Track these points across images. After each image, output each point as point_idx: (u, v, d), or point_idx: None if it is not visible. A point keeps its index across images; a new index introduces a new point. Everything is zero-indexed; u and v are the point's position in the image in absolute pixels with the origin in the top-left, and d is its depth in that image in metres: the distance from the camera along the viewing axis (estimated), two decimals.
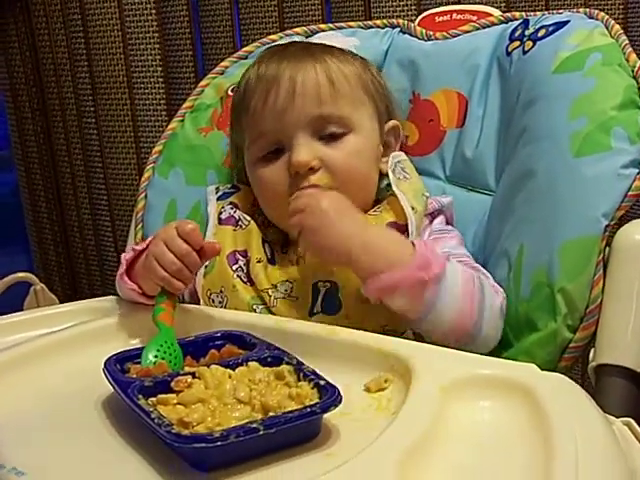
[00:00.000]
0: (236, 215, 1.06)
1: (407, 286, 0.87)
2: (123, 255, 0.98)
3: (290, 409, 0.67)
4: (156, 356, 0.79)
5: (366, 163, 1.03)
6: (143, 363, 0.78)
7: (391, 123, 1.09)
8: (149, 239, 0.96)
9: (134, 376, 0.75)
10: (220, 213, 1.07)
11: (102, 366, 0.76)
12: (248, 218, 1.05)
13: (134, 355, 0.80)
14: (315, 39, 1.24)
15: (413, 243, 0.91)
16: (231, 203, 1.08)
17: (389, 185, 1.03)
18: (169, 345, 0.82)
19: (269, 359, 0.77)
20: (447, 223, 1.06)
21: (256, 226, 1.05)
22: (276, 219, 1.05)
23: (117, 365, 0.76)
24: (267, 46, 1.26)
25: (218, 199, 1.09)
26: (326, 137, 1.00)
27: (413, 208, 0.98)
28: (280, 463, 0.66)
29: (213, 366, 0.75)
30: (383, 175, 1.06)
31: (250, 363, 0.76)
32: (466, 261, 0.98)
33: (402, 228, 0.98)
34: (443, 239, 1.01)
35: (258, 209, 1.08)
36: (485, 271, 0.98)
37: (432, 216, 1.04)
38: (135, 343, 0.90)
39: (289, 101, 0.99)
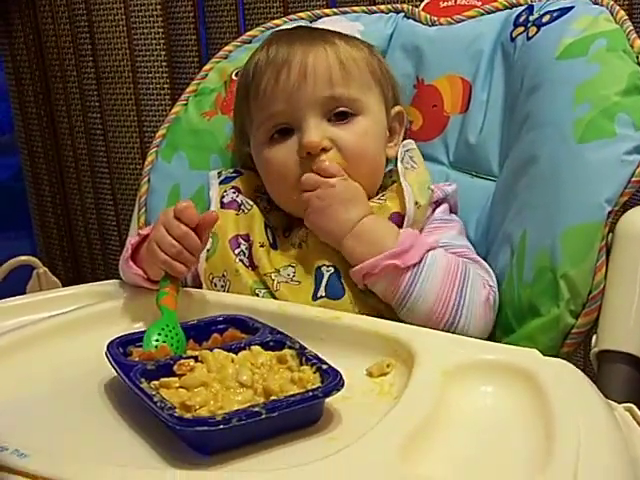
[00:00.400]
0: (239, 199, 1.06)
1: (383, 272, 0.92)
2: (129, 239, 0.99)
3: (292, 393, 0.68)
4: (157, 340, 0.80)
5: (375, 145, 1.03)
6: (145, 346, 0.79)
7: (396, 108, 1.09)
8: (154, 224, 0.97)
9: (136, 359, 0.76)
10: (222, 197, 1.07)
11: (105, 349, 0.76)
12: (251, 202, 1.05)
13: (137, 338, 0.80)
14: (319, 24, 1.24)
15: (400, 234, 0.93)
16: (233, 187, 1.08)
17: (392, 171, 1.04)
18: (171, 328, 0.82)
19: (271, 343, 0.77)
20: (451, 211, 1.06)
21: (259, 210, 1.05)
22: (282, 202, 1.05)
23: (120, 348, 0.77)
24: (272, 30, 1.26)
25: (220, 183, 1.09)
26: (336, 119, 1.01)
27: (417, 203, 0.99)
28: (282, 447, 0.66)
29: (216, 350, 0.75)
30: (389, 160, 1.07)
31: (253, 347, 0.76)
32: (463, 252, 0.98)
33: (403, 219, 0.99)
34: (443, 229, 1.01)
35: (261, 194, 1.08)
36: (484, 264, 0.99)
37: (436, 204, 1.04)
38: (138, 326, 0.90)
39: (300, 82, 0.99)
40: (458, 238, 1.01)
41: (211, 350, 0.75)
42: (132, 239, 0.98)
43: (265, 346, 0.77)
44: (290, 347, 0.76)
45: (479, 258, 1.00)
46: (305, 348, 0.75)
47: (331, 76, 1.00)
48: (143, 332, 0.81)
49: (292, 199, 1.00)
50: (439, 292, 0.91)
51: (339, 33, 1.08)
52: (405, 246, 0.92)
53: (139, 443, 0.68)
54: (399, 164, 1.02)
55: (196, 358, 0.74)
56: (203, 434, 0.63)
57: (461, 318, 0.92)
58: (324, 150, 0.98)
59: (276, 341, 0.77)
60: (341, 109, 1.01)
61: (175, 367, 0.72)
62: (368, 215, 0.97)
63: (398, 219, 0.99)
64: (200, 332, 0.83)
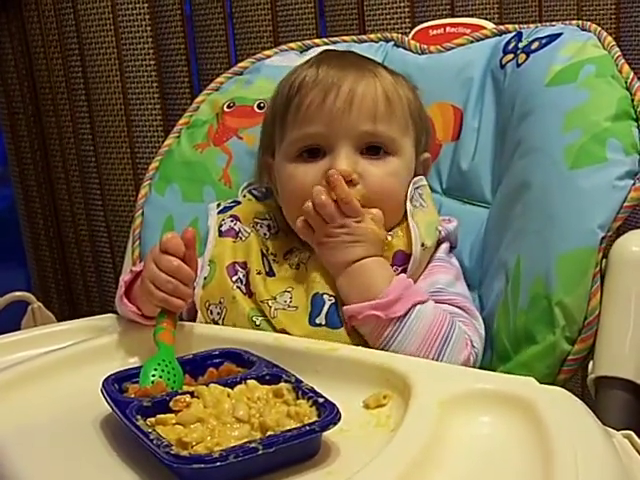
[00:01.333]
0: (236, 227, 1.06)
1: (366, 320, 0.91)
2: (121, 277, 0.98)
3: (289, 428, 0.67)
4: (154, 375, 0.79)
5: (401, 188, 1.02)
6: (142, 382, 0.78)
7: (425, 155, 1.08)
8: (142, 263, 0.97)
9: (132, 396, 0.75)
10: (220, 225, 1.06)
11: (100, 386, 0.76)
12: (248, 230, 1.05)
13: (132, 374, 0.80)
14: (310, 54, 1.24)
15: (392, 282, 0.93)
16: (232, 216, 1.07)
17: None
18: (167, 363, 0.81)
19: (267, 377, 0.77)
20: (451, 246, 1.05)
21: (256, 238, 1.04)
22: (295, 219, 1.03)
23: (115, 385, 0.76)
24: (262, 61, 1.27)
25: (219, 212, 1.09)
26: (368, 153, 1.00)
27: (423, 244, 0.98)
28: None
29: (212, 385, 0.75)
30: None
31: (249, 381, 0.76)
32: (455, 301, 0.98)
33: (408, 258, 0.98)
34: (440, 271, 1.00)
35: (261, 220, 1.08)
36: (475, 313, 0.99)
37: (438, 243, 1.03)
38: (134, 361, 0.90)
39: (345, 109, 0.99)
40: (454, 284, 1.00)
41: (207, 385, 0.75)
42: (125, 276, 0.98)
43: (261, 380, 0.76)
44: (286, 381, 0.75)
45: (471, 307, 0.99)
46: (301, 381, 0.75)
47: (376, 110, 0.99)
48: (139, 368, 0.81)
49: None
50: (418, 348, 0.90)
51: (388, 68, 1.08)
52: (391, 297, 0.91)
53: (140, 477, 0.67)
54: (408, 203, 1.01)
55: (192, 394, 0.73)
56: (200, 472, 0.63)
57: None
58: (351, 182, 0.97)
59: (272, 375, 0.77)
60: (377, 145, 1.00)
61: (171, 403, 0.72)
62: (372, 257, 0.95)
63: (402, 258, 0.98)
64: (196, 367, 0.82)
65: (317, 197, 0.95)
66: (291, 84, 1.04)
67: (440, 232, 1.03)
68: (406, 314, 0.91)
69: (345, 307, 0.93)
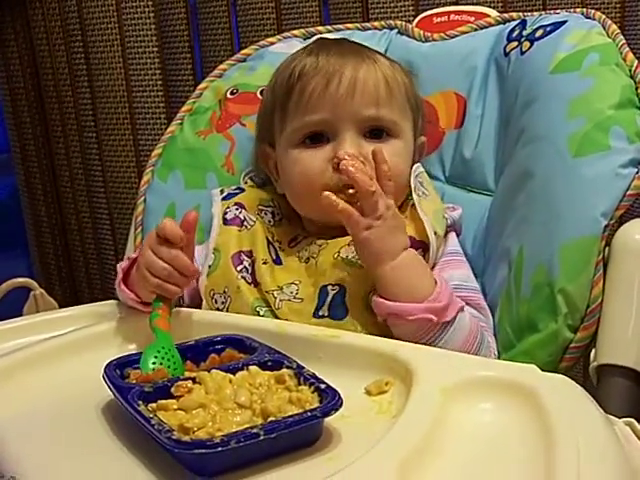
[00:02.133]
0: (241, 215, 1.06)
1: (415, 321, 0.89)
2: (119, 264, 0.98)
3: (291, 413, 0.67)
4: (154, 362, 0.79)
5: (405, 168, 1.03)
6: (143, 369, 0.78)
7: (422, 139, 1.09)
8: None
9: (134, 381, 0.75)
10: (225, 213, 1.06)
11: (102, 371, 0.76)
12: (254, 218, 1.05)
13: (134, 360, 0.80)
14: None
15: (435, 280, 0.92)
16: (236, 203, 1.07)
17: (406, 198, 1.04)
18: (167, 350, 0.81)
19: (269, 363, 0.77)
20: (457, 235, 1.05)
21: (262, 226, 1.04)
22: (304, 205, 1.03)
23: (117, 370, 0.76)
24: (265, 48, 1.27)
25: (223, 199, 1.09)
26: (371, 136, 1.01)
27: (435, 233, 0.98)
28: (281, 468, 0.66)
29: (213, 371, 0.75)
30: None
31: (250, 367, 0.76)
32: (472, 298, 0.98)
33: (418, 244, 0.98)
34: (454, 265, 1.00)
35: (265, 207, 1.08)
36: (488, 312, 0.99)
37: (445, 232, 1.03)
38: (136, 347, 0.90)
39: (348, 95, 0.99)
40: (469, 278, 1.01)
41: (209, 371, 0.75)
42: (122, 263, 0.98)
43: (263, 366, 0.76)
44: (288, 367, 0.75)
45: (484, 303, 0.99)
46: (303, 367, 0.75)
47: (378, 95, 1.00)
48: (140, 354, 0.81)
49: (314, 205, 0.97)
50: (458, 350, 0.89)
51: (381, 53, 1.09)
52: (444, 302, 0.90)
53: (137, 466, 0.67)
54: (413, 194, 1.01)
55: (194, 379, 0.73)
56: (201, 457, 0.63)
57: None
58: None
59: (274, 361, 0.77)
60: (380, 128, 1.01)
61: (173, 389, 0.72)
62: (407, 247, 0.94)
63: (413, 243, 0.97)
64: (197, 353, 0.82)
65: (363, 184, 0.90)
66: (291, 72, 1.04)
67: (447, 220, 1.03)
68: (453, 320, 0.90)
69: (391, 304, 0.90)
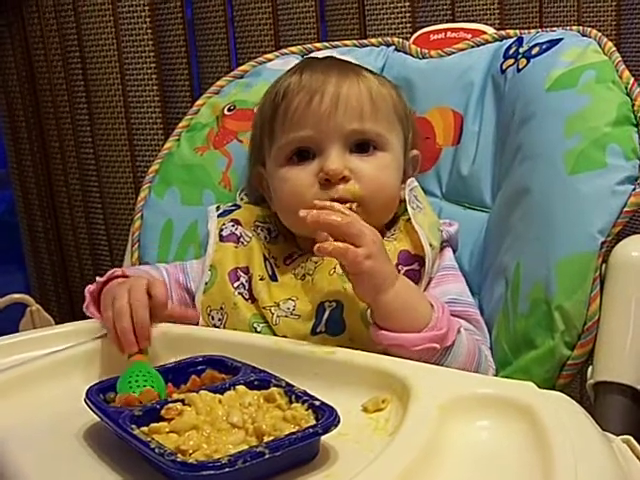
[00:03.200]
0: (237, 232, 1.06)
1: (419, 351, 0.87)
2: (87, 288, 0.98)
3: (289, 432, 0.67)
4: (137, 381, 0.78)
5: (393, 181, 1.03)
6: (121, 390, 0.77)
7: (413, 152, 1.09)
8: (110, 272, 0.98)
9: (118, 405, 0.74)
10: (221, 230, 1.06)
11: (84, 396, 0.74)
12: (250, 234, 1.05)
13: (115, 384, 0.78)
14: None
15: (431, 303, 0.90)
16: (232, 220, 1.07)
17: (401, 212, 1.04)
18: (146, 373, 0.80)
19: (256, 382, 0.76)
20: (453, 251, 1.05)
21: (258, 242, 1.04)
22: (294, 223, 1.03)
23: (100, 395, 0.75)
24: (263, 65, 1.27)
25: (219, 216, 1.09)
26: (358, 150, 1.01)
27: (431, 245, 0.98)
28: None
29: (202, 391, 0.74)
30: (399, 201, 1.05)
31: (238, 387, 0.75)
32: (468, 313, 0.98)
33: (413, 259, 0.98)
34: (450, 279, 1.00)
35: (261, 224, 1.08)
36: (482, 324, 0.99)
37: (441, 247, 1.03)
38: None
39: (332, 111, 1.00)
40: (465, 292, 1.00)
41: (197, 392, 0.74)
42: (90, 287, 0.98)
43: (250, 385, 0.75)
44: (276, 385, 0.75)
45: (480, 318, 0.99)
46: (292, 385, 0.74)
47: (362, 109, 1.01)
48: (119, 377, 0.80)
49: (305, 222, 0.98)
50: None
51: (369, 69, 1.09)
52: (445, 329, 0.88)
53: None
54: (408, 207, 1.00)
55: (183, 401, 0.73)
56: (208, 478, 0.62)
57: None
58: (344, 179, 0.98)
59: (261, 380, 0.76)
60: (365, 141, 1.01)
61: (163, 411, 0.71)
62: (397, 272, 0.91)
63: (407, 257, 0.98)
64: (178, 374, 0.81)
65: (336, 222, 0.86)
66: (276, 92, 1.05)
67: (442, 233, 1.03)
68: (453, 343, 0.89)
69: (395, 335, 0.87)
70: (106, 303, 0.91)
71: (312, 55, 1.26)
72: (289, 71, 1.08)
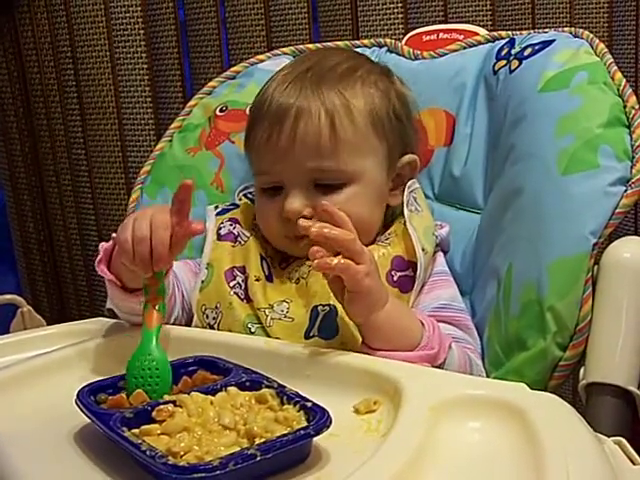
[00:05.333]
0: (235, 231, 1.05)
1: None
2: (102, 244, 0.94)
3: (283, 433, 0.67)
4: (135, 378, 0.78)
5: (364, 210, 0.99)
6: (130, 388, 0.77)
7: (406, 158, 1.04)
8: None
9: (106, 407, 0.74)
10: (219, 229, 1.06)
11: (75, 398, 0.74)
12: (247, 234, 1.05)
13: (106, 385, 0.78)
14: None
15: (422, 322, 0.89)
16: (230, 219, 1.07)
17: (394, 213, 1.04)
18: (150, 362, 0.80)
19: (247, 383, 0.76)
20: (443, 252, 1.05)
21: (255, 242, 1.04)
22: (274, 245, 1.03)
23: (91, 397, 0.75)
24: (255, 66, 1.27)
25: (217, 214, 1.08)
26: (323, 186, 0.99)
27: (424, 249, 0.97)
28: None
29: (193, 393, 0.74)
30: (391, 207, 1.04)
31: (229, 388, 0.75)
32: (459, 319, 0.98)
33: (407, 264, 0.98)
34: (440, 286, 1.00)
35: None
36: (474, 330, 0.99)
37: (434, 251, 1.02)
38: (123, 365, 0.88)
39: (288, 149, 0.98)
40: (456, 298, 1.00)
41: (188, 393, 0.74)
42: (105, 243, 0.94)
43: (241, 387, 0.75)
44: (268, 386, 0.75)
45: (471, 324, 0.99)
46: (284, 387, 0.74)
47: (320, 146, 0.97)
48: (112, 378, 0.80)
49: (281, 246, 1.01)
50: None
51: (354, 73, 1.03)
52: (436, 349, 0.88)
53: None
54: (405, 209, 1.00)
55: (174, 403, 0.72)
56: None
57: None
58: (304, 217, 0.97)
59: (252, 381, 0.76)
60: (328, 181, 0.99)
61: (154, 413, 0.71)
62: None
63: (401, 263, 0.97)
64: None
65: (341, 237, 0.84)
66: (257, 104, 1.04)
67: (436, 238, 1.02)
68: (444, 361, 0.89)
69: (388, 354, 0.85)
70: (126, 223, 0.87)
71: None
72: (275, 75, 1.05)
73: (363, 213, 0.99)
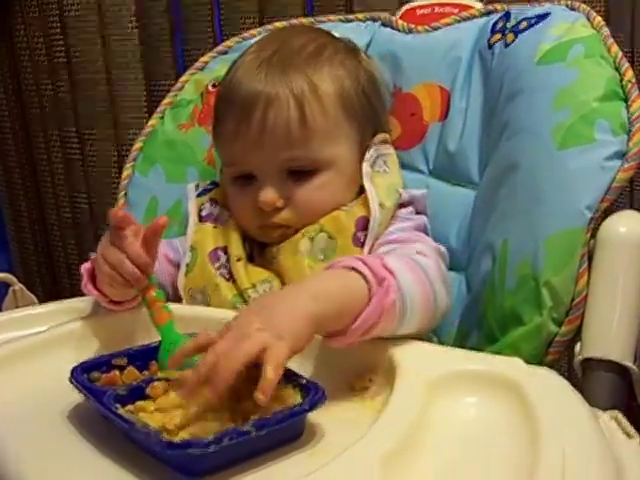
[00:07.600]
0: (215, 211, 1.05)
1: (383, 318, 0.77)
2: (83, 266, 0.94)
3: (278, 409, 0.66)
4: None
5: (337, 194, 1.00)
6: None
7: (380, 137, 1.05)
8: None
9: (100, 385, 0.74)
10: (200, 210, 1.06)
11: (69, 376, 0.74)
12: (227, 213, 1.05)
13: (99, 363, 0.78)
14: None
15: (354, 268, 0.78)
16: (211, 199, 1.07)
17: None
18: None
19: None
20: (417, 214, 1.04)
21: (235, 221, 1.03)
22: (248, 232, 1.03)
23: (84, 374, 0.75)
24: (248, 41, 1.25)
25: (198, 196, 1.08)
26: (295, 174, 0.99)
27: (381, 204, 0.98)
28: (266, 465, 0.65)
29: (187, 370, 0.73)
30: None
31: None
32: (405, 237, 0.96)
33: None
34: (394, 226, 0.99)
35: None
36: (432, 242, 0.97)
37: (401, 206, 1.02)
38: (116, 343, 0.88)
39: (257, 141, 0.97)
40: (405, 229, 0.98)
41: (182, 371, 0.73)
42: (86, 264, 0.94)
43: None
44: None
45: (428, 238, 0.98)
46: None
47: (290, 136, 0.97)
48: (104, 356, 0.80)
49: (254, 233, 1.02)
50: (420, 292, 0.83)
51: (321, 54, 1.02)
52: (368, 324, 0.76)
53: (123, 468, 0.66)
54: (366, 166, 1.00)
55: (167, 380, 0.72)
56: (194, 457, 0.62)
57: (438, 297, 0.86)
58: (277, 209, 0.98)
59: None
60: (300, 168, 0.99)
61: (148, 390, 0.71)
62: (306, 284, 0.79)
63: (364, 222, 0.97)
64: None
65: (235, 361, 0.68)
66: (223, 90, 1.04)
67: (401, 194, 1.02)
68: (401, 297, 0.80)
69: (350, 330, 0.75)
70: (99, 262, 0.87)
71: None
72: (238, 60, 1.04)
73: (336, 197, 1.00)
